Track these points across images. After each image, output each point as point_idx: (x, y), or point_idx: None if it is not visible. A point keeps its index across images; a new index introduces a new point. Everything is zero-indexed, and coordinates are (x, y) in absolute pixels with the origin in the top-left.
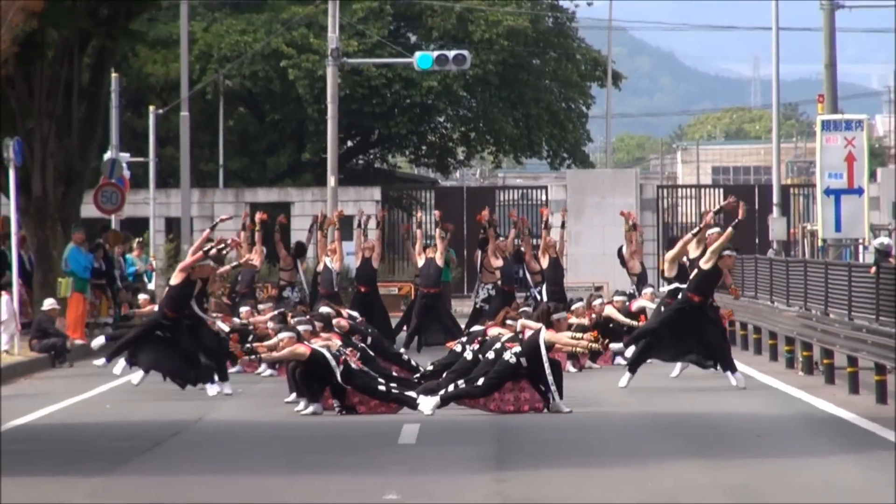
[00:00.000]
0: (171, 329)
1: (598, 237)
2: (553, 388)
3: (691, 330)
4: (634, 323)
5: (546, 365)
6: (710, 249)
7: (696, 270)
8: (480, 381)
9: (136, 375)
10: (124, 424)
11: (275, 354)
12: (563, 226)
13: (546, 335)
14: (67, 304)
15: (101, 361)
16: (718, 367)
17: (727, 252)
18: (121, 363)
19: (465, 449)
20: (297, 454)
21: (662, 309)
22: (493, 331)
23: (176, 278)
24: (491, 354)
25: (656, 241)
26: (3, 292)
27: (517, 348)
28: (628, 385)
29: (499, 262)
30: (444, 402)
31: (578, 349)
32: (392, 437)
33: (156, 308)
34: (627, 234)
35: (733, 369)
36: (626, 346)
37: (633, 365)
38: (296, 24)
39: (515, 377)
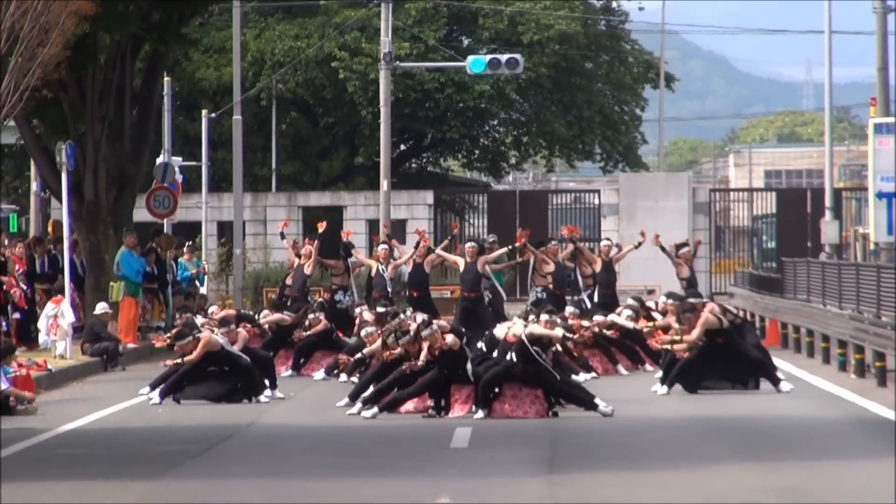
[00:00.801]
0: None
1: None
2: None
3: (723, 355)
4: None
5: (545, 363)
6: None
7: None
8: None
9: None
10: (176, 428)
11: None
12: (638, 246)
13: (526, 329)
14: (119, 307)
15: (156, 400)
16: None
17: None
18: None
19: (517, 452)
20: (349, 458)
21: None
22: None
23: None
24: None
25: (709, 244)
26: (61, 297)
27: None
28: (670, 392)
29: (550, 267)
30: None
31: (555, 339)
32: (444, 441)
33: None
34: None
35: (776, 382)
36: (663, 383)
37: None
38: (349, 28)
39: (511, 378)
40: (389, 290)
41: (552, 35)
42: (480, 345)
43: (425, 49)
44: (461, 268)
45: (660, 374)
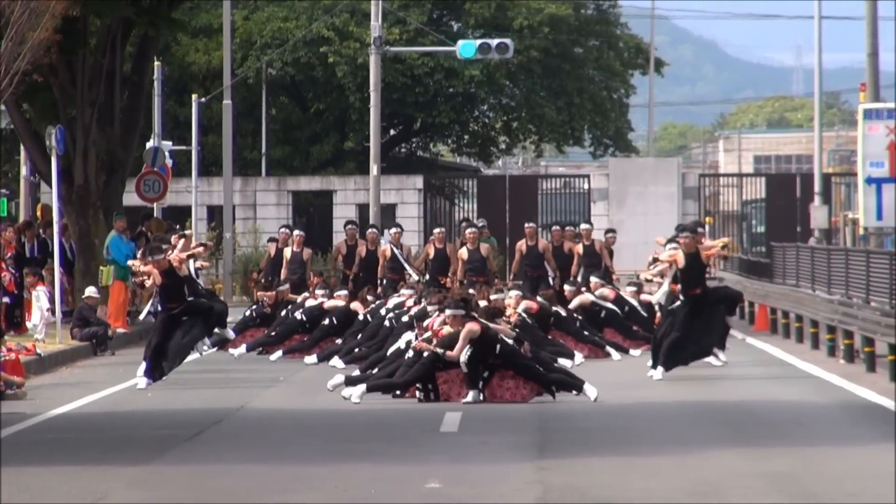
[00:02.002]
0: (178, 315)
1: (641, 226)
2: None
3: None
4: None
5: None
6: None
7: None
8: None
9: (143, 381)
10: (166, 413)
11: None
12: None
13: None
14: (109, 292)
15: (143, 383)
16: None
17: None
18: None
19: (507, 437)
20: (339, 442)
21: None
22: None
23: (159, 278)
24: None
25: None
26: (40, 285)
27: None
28: (664, 376)
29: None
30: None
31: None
32: (434, 426)
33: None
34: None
35: (721, 347)
36: (654, 366)
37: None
38: (338, 11)
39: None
40: (410, 272)
41: (542, 19)
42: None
43: (414, 33)
44: (466, 257)
45: (649, 361)
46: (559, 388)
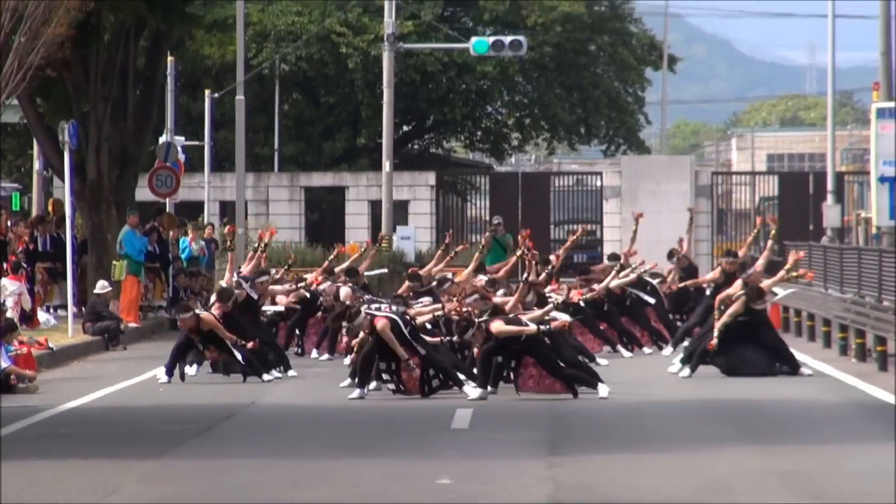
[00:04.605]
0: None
1: (653, 224)
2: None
3: (747, 337)
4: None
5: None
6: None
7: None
8: None
9: (192, 368)
10: (177, 407)
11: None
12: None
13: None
14: (122, 287)
15: (164, 379)
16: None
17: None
18: (193, 367)
19: (518, 434)
20: (350, 438)
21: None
22: None
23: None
24: None
25: (711, 227)
26: (13, 276)
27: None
28: (679, 372)
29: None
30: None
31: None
32: (445, 422)
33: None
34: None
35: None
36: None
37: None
38: (351, 7)
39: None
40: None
41: (555, 17)
42: None
43: (427, 28)
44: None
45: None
46: (577, 383)
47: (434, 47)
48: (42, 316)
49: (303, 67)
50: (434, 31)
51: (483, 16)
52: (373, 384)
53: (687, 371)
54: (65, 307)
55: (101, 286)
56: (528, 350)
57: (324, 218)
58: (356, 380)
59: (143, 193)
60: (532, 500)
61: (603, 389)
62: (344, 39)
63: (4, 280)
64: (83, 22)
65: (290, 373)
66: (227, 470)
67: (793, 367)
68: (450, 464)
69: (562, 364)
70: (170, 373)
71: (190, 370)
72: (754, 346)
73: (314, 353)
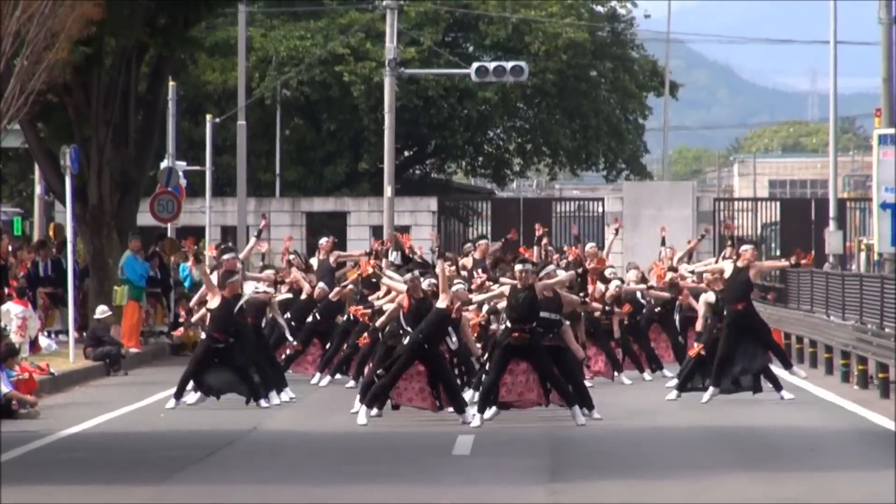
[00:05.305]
0: (223, 351)
1: (654, 249)
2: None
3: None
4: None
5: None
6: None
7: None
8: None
9: (192, 396)
10: (178, 433)
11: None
12: (616, 233)
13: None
14: (123, 312)
15: (171, 403)
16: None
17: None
18: (194, 394)
19: (519, 460)
20: (351, 464)
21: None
22: None
23: (214, 301)
24: None
25: (713, 253)
26: (20, 299)
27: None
28: (678, 398)
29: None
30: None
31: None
32: (446, 448)
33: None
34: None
35: (788, 366)
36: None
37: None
38: (353, 32)
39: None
40: None
41: (559, 45)
42: None
43: (429, 53)
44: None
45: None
46: (572, 403)
47: (435, 73)
48: (43, 341)
49: (305, 92)
50: (436, 57)
51: (485, 41)
52: (374, 410)
53: (674, 394)
54: (66, 332)
55: (102, 311)
56: (530, 354)
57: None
58: (366, 399)
59: (144, 218)
60: None
61: (581, 416)
62: (346, 66)
63: (8, 304)
64: (85, 46)
65: (286, 396)
66: (229, 495)
67: (785, 364)
68: (451, 490)
69: (558, 375)
70: (178, 397)
71: (189, 399)
72: (744, 351)
73: (315, 378)
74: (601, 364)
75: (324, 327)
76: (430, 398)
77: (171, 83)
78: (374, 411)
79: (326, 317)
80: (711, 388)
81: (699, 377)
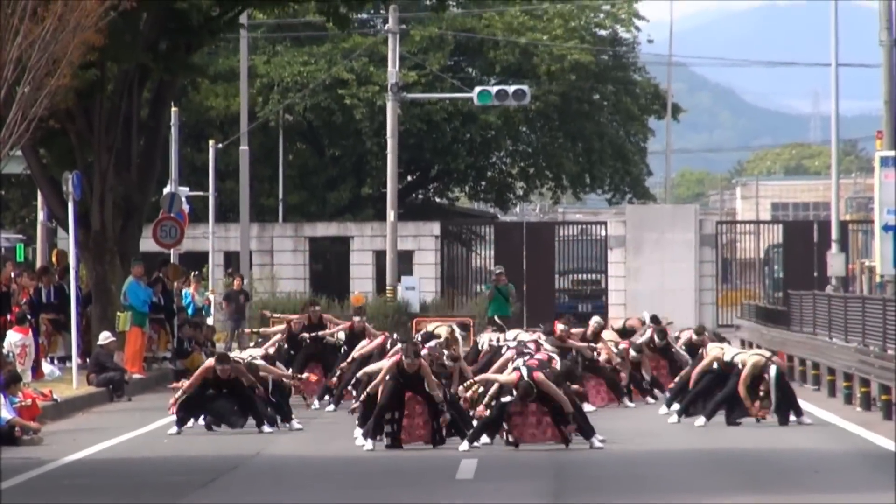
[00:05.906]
0: (219, 385)
1: (657, 273)
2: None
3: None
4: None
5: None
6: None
7: None
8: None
9: (174, 428)
10: (182, 459)
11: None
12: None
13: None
14: (126, 338)
15: (173, 430)
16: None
17: None
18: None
19: (523, 484)
20: (355, 489)
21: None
22: None
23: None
24: None
25: (715, 276)
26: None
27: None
28: (680, 420)
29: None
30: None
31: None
32: (450, 473)
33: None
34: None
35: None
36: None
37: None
38: (356, 56)
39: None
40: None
41: (566, 66)
42: None
43: (433, 77)
44: None
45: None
46: (576, 432)
47: (438, 97)
48: (46, 367)
49: (308, 117)
50: (440, 81)
51: (494, 68)
52: (369, 443)
53: (675, 417)
54: (69, 358)
55: (105, 337)
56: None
57: (328, 268)
58: (367, 430)
59: (147, 244)
60: None
61: (596, 442)
62: (349, 91)
63: (9, 332)
64: (86, 67)
65: (295, 424)
66: None
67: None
68: None
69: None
70: (180, 424)
71: (191, 423)
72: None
73: (315, 404)
74: (603, 393)
75: (314, 349)
76: (430, 428)
77: (173, 109)
78: (370, 444)
79: (313, 336)
80: (703, 419)
81: (701, 402)
